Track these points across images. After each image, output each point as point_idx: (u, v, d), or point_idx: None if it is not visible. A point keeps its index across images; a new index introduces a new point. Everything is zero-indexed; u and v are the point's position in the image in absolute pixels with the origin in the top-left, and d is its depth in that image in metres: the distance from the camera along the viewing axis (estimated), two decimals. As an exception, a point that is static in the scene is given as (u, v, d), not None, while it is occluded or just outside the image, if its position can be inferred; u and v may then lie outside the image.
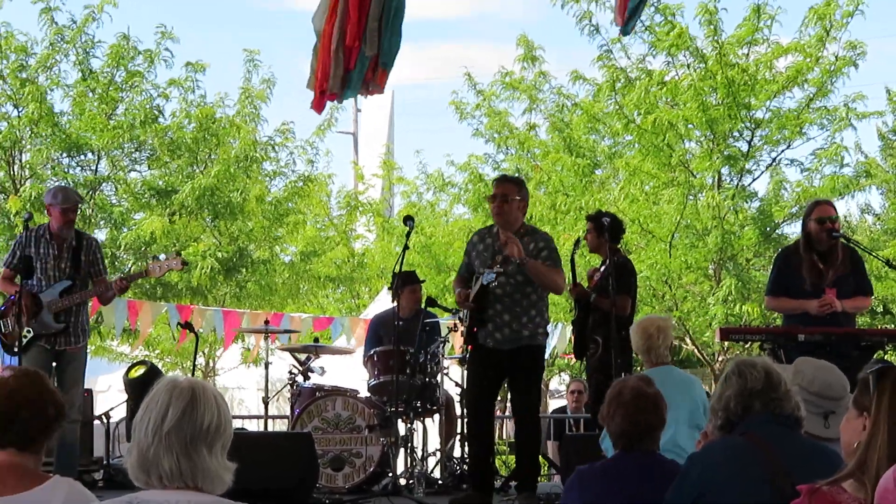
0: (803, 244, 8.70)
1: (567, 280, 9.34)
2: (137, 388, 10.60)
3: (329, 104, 8.67)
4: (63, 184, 16.62)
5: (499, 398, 9.81)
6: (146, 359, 15.97)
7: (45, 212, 9.36)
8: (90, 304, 9.43)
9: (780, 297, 8.80)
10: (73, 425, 8.85)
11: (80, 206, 9.25)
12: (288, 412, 10.88)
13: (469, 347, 8.51)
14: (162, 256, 9.62)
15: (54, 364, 8.96)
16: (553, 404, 22.78)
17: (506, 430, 20.09)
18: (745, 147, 17.27)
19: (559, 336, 17.10)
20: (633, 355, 8.75)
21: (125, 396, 11.32)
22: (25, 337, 8.91)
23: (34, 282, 9.01)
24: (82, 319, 9.11)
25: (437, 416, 10.38)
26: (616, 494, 4.69)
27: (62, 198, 9.09)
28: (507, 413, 17.11)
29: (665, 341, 7.39)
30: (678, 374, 7.41)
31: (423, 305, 10.56)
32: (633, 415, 4.77)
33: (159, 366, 16.62)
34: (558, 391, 25.95)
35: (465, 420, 8.79)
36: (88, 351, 9.71)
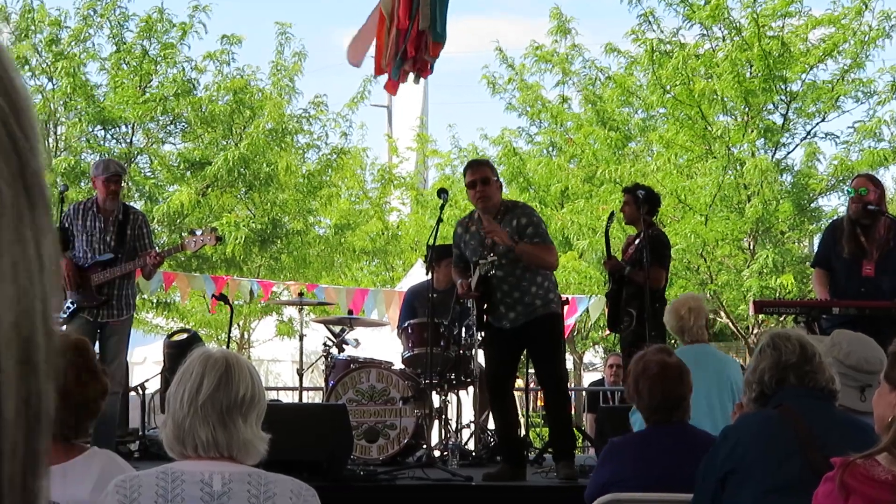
0: (847, 216, 8.74)
1: (600, 254, 9.33)
2: (176, 351, 10.68)
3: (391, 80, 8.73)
4: (99, 156, 16.75)
5: (530, 370, 9.81)
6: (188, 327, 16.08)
7: (92, 184, 9.44)
8: (134, 277, 9.46)
9: (820, 274, 8.80)
10: (113, 398, 8.89)
11: (122, 176, 9.28)
12: (322, 384, 10.92)
13: (481, 333, 8.56)
14: (198, 231, 9.63)
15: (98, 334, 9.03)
16: (588, 377, 22.80)
17: (539, 401, 20.10)
18: (779, 120, 17.18)
19: (592, 309, 17.08)
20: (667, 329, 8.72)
21: (160, 368, 11.40)
22: (68, 309, 8.99)
23: (80, 254, 9.08)
24: (126, 293, 9.14)
25: (471, 389, 10.40)
26: (650, 467, 4.71)
27: (102, 168, 9.18)
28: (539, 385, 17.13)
29: (697, 321, 7.33)
30: (712, 354, 7.34)
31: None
32: (661, 387, 4.78)
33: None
34: (592, 364, 25.97)
35: (489, 399, 8.81)
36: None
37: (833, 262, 8.74)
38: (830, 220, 10.22)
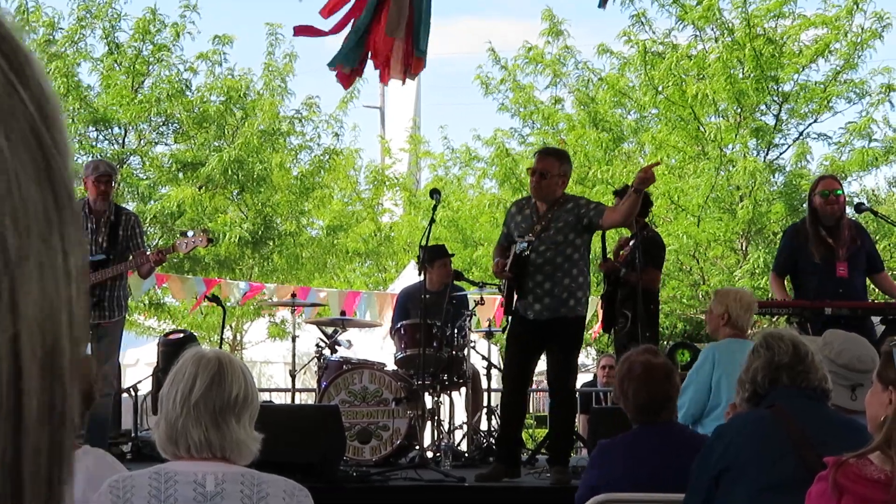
0: (809, 219, 8.74)
1: (595, 255, 9.32)
2: (170, 350, 10.66)
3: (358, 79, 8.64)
4: (91, 157, 16.74)
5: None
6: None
7: (83, 186, 9.44)
8: (127, 278, 9.44)
9: (781, 281, 8.85)
10: (105, 399, 8.90)
11: (113, 177, 9.27)
12: (315, 385, 10.92)
13: (508, 318, 8.48)
14: (189, 233, 9.63)
15: (90, 335, 9.02)
16: (580, 378, 22.80)
17: (532, 403, 20.09)
18: (772, 121, 17.21)
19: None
20: (661, 329, 8.72)
21: (153, 369, 11.39)
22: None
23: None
24: (118, 294, 9.13)
25: (463, 390, 10.40)
26: (639, 467, 4.71)
27: (93, 168, 9.19)
28: (533, 386, 17.13)
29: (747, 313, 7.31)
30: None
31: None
32: (647, 387, 4.79)
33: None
34: (584, 365, 25.96)
35: (501, 392, 8.77)
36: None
37: (801, 266, 8.75)
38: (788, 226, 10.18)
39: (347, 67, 8.15)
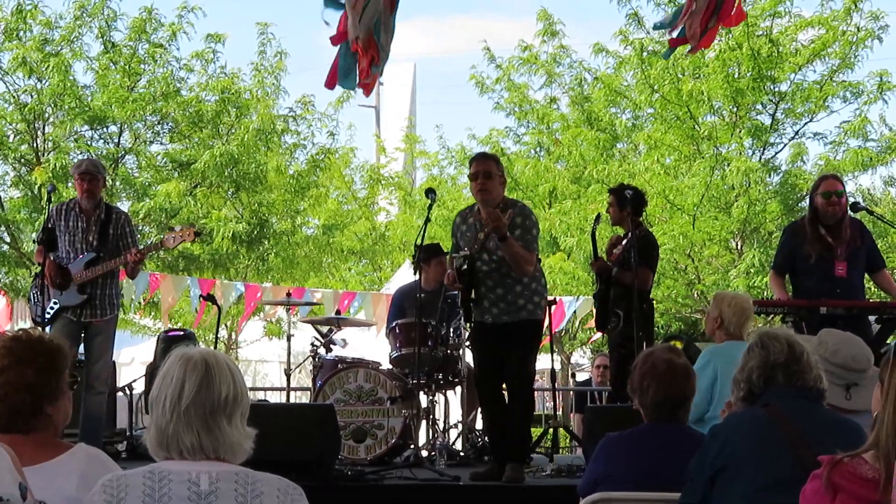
0: (809, 218, 8.72)
1: (588, 254, 9.30)
2: (169, 346, 10.66)
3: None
4: (86, 156, 16.70)
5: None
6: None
7: (74, 185, 9.44)
8: (118, 277, 9.41)
9: (781, 280, 8.84)
10: (99, 397, 8.91)
11: (99, 176, 9.20)
12: (310, 384, 10.91)
13: (469, 326, 8.53)
14: (177, 227, 9.60)
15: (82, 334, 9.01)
16: (577, 377, 22.81)
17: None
18: (768, 120, 17.20)
19: (581, 308, 17.10)
20: (656, 328, 8.71)
21: (146, 368, 11.39)
22: (52, 308, 8.98)
23: (62, 254, 9.06)
24: (110, 292, 9.11)
25: (458, 389, 10.40)
26: (644, 463, 4.70)
27: (76, 166, 9.22)
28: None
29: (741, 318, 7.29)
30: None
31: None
32: (667, 386, 4.79)
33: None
34: (579, 364, 25.98)
35: (477, 396, 8.77)
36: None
37: (799, 265, 8.75)
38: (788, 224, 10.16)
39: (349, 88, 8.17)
